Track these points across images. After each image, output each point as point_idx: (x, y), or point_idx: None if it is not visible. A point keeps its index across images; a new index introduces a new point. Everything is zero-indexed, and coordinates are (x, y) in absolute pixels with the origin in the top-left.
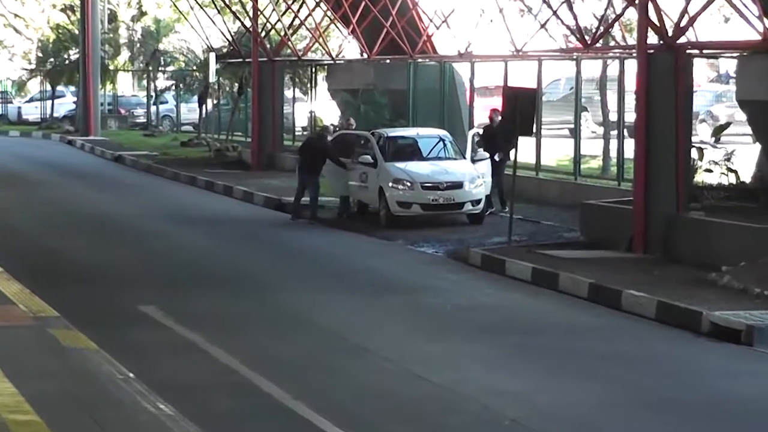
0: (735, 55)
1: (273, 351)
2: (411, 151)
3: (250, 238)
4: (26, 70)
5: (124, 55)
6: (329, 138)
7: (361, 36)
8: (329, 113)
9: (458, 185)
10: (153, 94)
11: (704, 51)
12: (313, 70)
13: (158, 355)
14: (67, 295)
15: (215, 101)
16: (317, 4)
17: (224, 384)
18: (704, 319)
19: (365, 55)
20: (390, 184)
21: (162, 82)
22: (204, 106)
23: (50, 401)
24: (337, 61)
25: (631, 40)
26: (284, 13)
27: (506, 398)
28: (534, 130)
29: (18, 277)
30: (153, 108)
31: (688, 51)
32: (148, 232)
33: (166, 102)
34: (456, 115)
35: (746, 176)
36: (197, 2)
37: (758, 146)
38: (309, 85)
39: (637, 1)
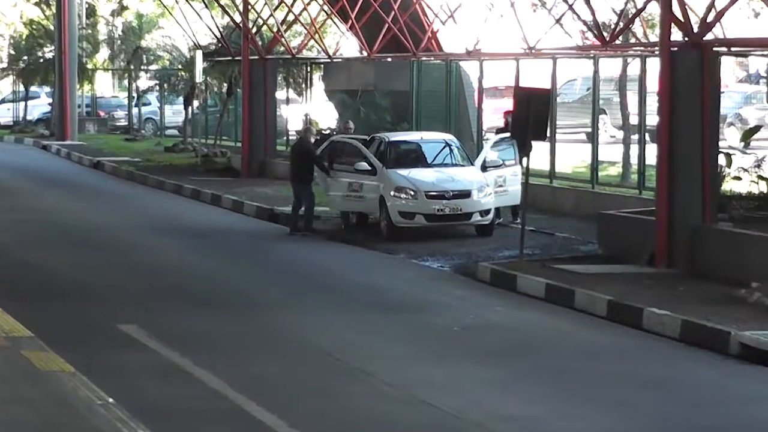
0: (766, 53)
1: (265, 374)
2: (414, 157)
3: (240, 252)
4: None
5: (104, 53)
6: (312, 139)
7: (361, 32)
8: (326, 116)
9: (465, 194)
10: (135, 95)
11: (732, 48)
12: (309, 69)
13: (140, 379)
14: (42, 313)
15: (202, 103)
16: None
17: (212, 410)
18: (733, 339)
19: (365, 54)
20: (392, 193)
21: (144, 82)
22: (190, 108)
23: (23, 429)
24: (335, 60)
25: (654, 36)
26: (277, 8)
27: (517, 425)
28: (548, 135)
29: None
30: (135, 110)
31: (715, 48)
32: (129, 245)
33: (149, 104)
34: (463, 118)
35: None
36: None
37: None
38: (304, 86)
39: None
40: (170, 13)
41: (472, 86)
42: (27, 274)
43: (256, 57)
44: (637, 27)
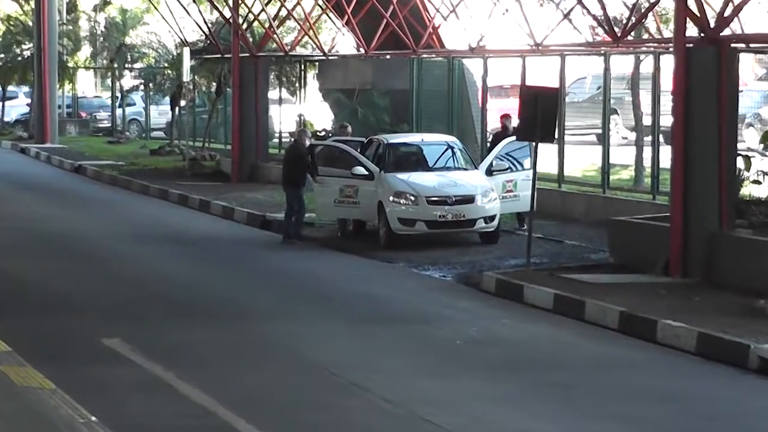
0: None
1: (256, 390)
2: (415, 160)
3: (230, 261)
4: None
5: (86, 50)
6: (307, 142)
7: (357, 28)
8: (321, 117)
9: (469, 199)
10: (118, 94)
11: (751, 45)
12: (303, 67)
13: (124, 395)
14: (20, 326)
15: (190, 103)
16: None
17: (200, 428)
18: (752, 353)
19: (362, 51)
20: (390, 199)
21: (129, 81)
22: (177, 109)
23: None
24: (330, 57)
25: (668, 32)
26: (269, 2)
27: None
28: (556, 136)
29: None
30: (118, 111)
31: (732, 45)
32: (112, 253)
33: (134, 104)
34: (466, 119)
35: None
36: None
37: None
38: (297, 85)
39: None
40: (156, 8)
41: (476, 85)
42: (5, 285)
43: (247, 54)
44: (650, 22)
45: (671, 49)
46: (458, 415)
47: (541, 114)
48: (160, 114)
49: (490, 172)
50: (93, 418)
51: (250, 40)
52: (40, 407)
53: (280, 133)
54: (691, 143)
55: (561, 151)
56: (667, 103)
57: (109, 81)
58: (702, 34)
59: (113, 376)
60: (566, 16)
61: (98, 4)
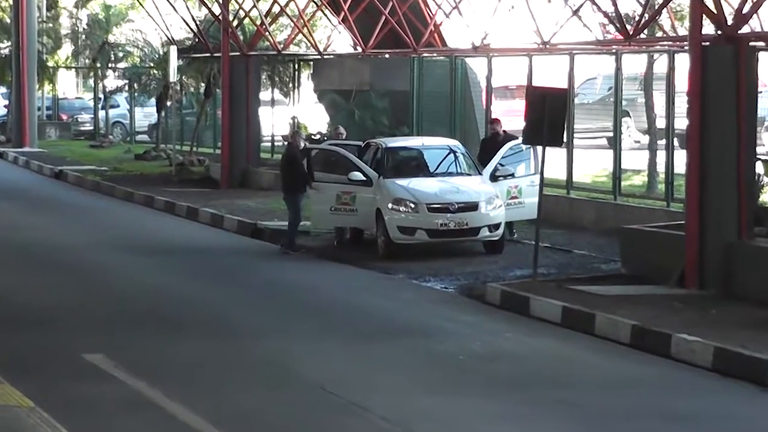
0: None
1: (247, 408)
2: (415, 165)
3: (220, 272)
4: None
5: (67, 49)
6: (302, 144)
7: (354, 26)
8: (316, 119)
9: (472, 206)
10: (101, 96)
11: None
12: (296, 67)
13: (107, 414)
14: None
15: (177, 105)
16: None
17: None
18: None
19: (359, 49)
20: (389, 206)
21: (112, 81)
22: (163, 111)
23: None
24: (325, 57)
25: (683, 30)
26: None
27: None
28: (565, 140)
29: None
30: (101, 113)
31: (751, 43)
32: (94, 264)
33: (118, 106)
34: (470, 122)
35: None
36: None
37: None
38: (291, 86)
39: None
40: (141, 4)
41: (480, 86)
42: None
43: (238, 53)
44: (664, 19)
45: (686, 48)
46: None
47: (549, 116)
48: (146, 116)
49: (494, 177)
50: None
51: (241, 38)
52: (18, 426)
53: (273, 136)
54: (707, 147)
55: (570, 156)
56: (682, 104)
57: (91, 81)
58: (719, 32)
59: (96, 394)
60: (575, 12)
61: (80, 1)
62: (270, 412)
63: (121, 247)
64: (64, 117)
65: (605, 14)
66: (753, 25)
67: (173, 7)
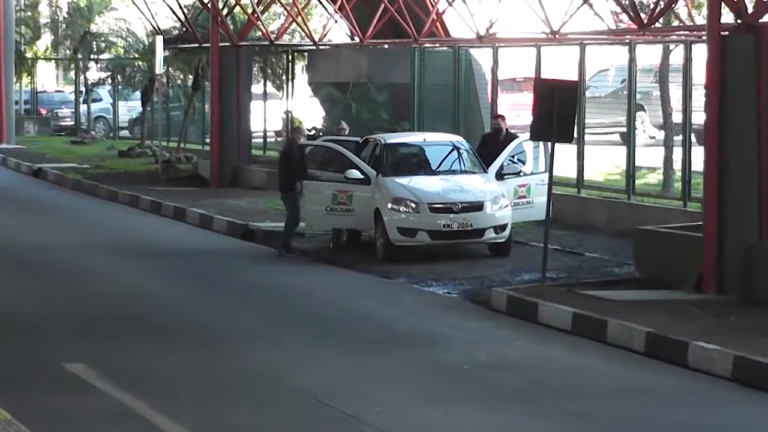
0: None
1: (237, 421)
2: (416, 162)
3: (209, 276)
4: None
5: (46, 39)
6: (302, 140)
7: (352, 14)
8: (310, 113)
9: (477, 206)
10: (83, 89)
11: None
12: (290, 58)
13: (88, 426)
14: None
15: (163, 98)
16: None
17: None
18: None
19: (357, 39)
20: (389, 206)
21: (94, 73)
22: (149, 105)
23: None
24: (321, 47)
25: (700, 18)
26: None
27: None
28: (575, 136)
29: None
30: (83, 107)
31: None
32: (76, 267)
33: (100, 99)
34: (474, 116)
35: None
36: None
37: None
38: (284, 78)
39: None
40: None
41: (485, 78)
42: None
43: (228, 44)
44: (680, 7)
45: (704, 38)
46: None
47: (558, 110)
48: (130, 111)
49: (500, 175)
50: None
51: (231, 27)
52: None
53: (265, 132)
54: (726, 143)
55: (580, 153)
56: (699, 98)
57: (72, 74)
58: (739, 21)
59: (76, 405)
60: (586, 0)
61: None
62: (260, 425)
63: (104, 250)
64: (44, 111)
65: (618, 2)
66: None
67: None
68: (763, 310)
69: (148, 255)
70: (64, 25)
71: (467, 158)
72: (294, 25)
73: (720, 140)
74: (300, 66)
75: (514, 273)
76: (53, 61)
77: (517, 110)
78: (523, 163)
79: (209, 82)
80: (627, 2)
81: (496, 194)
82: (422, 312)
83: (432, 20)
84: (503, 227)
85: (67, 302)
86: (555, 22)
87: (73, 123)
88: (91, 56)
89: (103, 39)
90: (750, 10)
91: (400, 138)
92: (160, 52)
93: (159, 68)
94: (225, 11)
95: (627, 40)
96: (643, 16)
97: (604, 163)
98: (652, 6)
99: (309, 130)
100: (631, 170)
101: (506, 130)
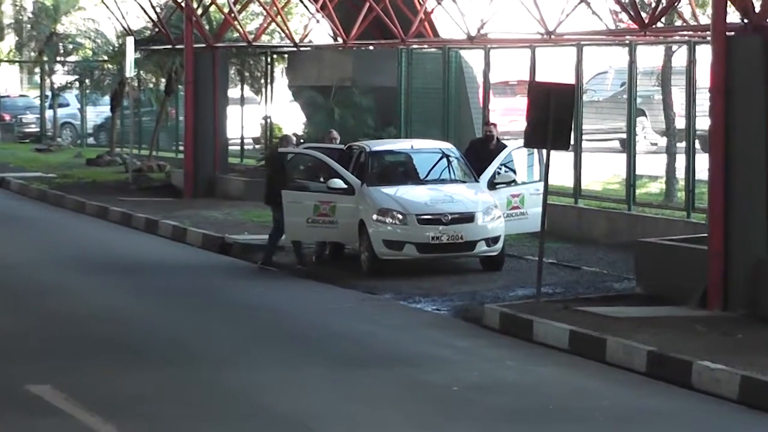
0: None
1: None
2: (403, 171)
3: (184, 293)
4: None
5: (9, 40)
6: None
7: (334, 14)
8: (291, 119)
9: (468, 218)
10: (49, 93)
11: None
12: (269, 60)
13: None
14: None
15: (134, 103)
16: None
17: None
18: None
19: (340, 40)
20: (374, 217)
21: (61, 77)
22: (119, 110)
23: None
24: (302, 49)
25: (705, 18)
26: None
27: None
28: (572, 142)
29: None
30: (49, 113)
31: None
32: (41, 284)
33: (67, 104)
34: (465, 122)
35: None
36: None
37: None
38: (263, 82)
39: None
40: None
41: (476, 81)
42: None
43: (203, 45)
44: (683, 6)
45: (709, 38)
46: None
47: (554, 116)
48: (99, 116)
49: (492, 185)
50: None
51: (207, 27)
52: None
53: (242, 139)
54: (732, 150)
55: (578, 160)
56: (704, 102)
57: (37, 77)
58: (745, 20)
59: (42, 429)
60: None
61: None
62: None
63: (70, 265)
64: (7, 117)
65: (617, 1)
66: None
67: None
68: None
69: (117, 271)
70: (28, 26)
71: (457, 166)
72: (273, 25)
73: (726, 147)
74: (280, 68)
75: (508, 288)
76: (17, 64)
77: (510, 115)
78: (514, 173)
79: (183, 85)
80: (627, 1)
81: (488, 205)
82: (410, 330)
83: (420, 20)
84: (496, 240)
85: (32, 321)
86: (550, 21)
87: (38, 129)
88: (58, 58)
89: (70, 40)
90: (757, 9)
91: (386, 145)
92: (130, 54)
93: (129, 71)
94: (200, 11)
95: (627, 41)
96: (644, 15)
97: (602, 172)
98: (653, 5)
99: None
100: (632, 179)
101: (497, 138)
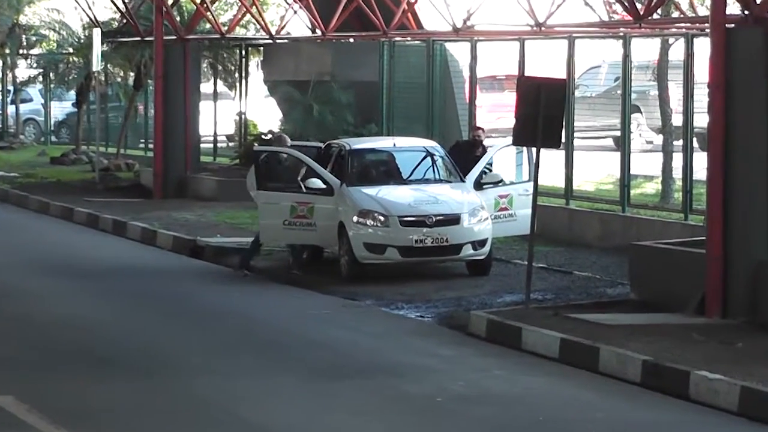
0: None
1: None
2: (385, 170)
3: (154, 299)
4: None
5: None
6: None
7: (313, 4)
8: (266, 115)
9: (453, 220)
10: (10, 88)
11: None
12: (244, 53)
13: None
14: None
15: (101, 98)
16: None
17: None
18: None
19: (318, 32)
20: (354, 219)
21: (24, 70)
22: (85, 106)
23: None
24: (278, 41)
25: (703, 9)
26: None
27: None
28: (563, 140)
29: None
30: (11, 108)
31: None
32: (3, 290)
33: (31, 100)
34: (450, 118)
35: None
36: None
37: None
38: (237, 76)
39: None
40: None
41: (462, 75)
42: None
43: (174, 37)
44: None
45: (707, 31)
46: None
47: (545, 112)
48: (64, 112)
49: (479, 185)
50: None
51: (177, 19)
52: None
53: (215, 136)
54: (732, 148)
55: (569, 159)
56: (702, 98)
57: None
58: (745, 12)
59: None
60: None
61: None
62: None
63: (34, 270)
64: None
65: None
66: None
67: None
68: None
69: (83, 275)
70: None
71: (442, 166)
72: (248, 17)
73: (725, 145)
74: (255, 62)
75: (495, 294)
76: None
77: (498, 111)
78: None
79: (152, 80)
80: None
81: (474, 206)
82: (392, 338)
83: (403, 11)
84: (482, 243)
85: None
86: (541, 13)
87: None
88: (20, 51)
89: (33, 32)
90: (758, 0)
91: (367, 143)
92: (97, 47)
93: (96, 64)
94: (170, 1)
95: (621, 34)
96: (639, 6)
97: (595, 171)
98: None
99: (265, 135)
100: (626, 179)
101: (483, 145)
